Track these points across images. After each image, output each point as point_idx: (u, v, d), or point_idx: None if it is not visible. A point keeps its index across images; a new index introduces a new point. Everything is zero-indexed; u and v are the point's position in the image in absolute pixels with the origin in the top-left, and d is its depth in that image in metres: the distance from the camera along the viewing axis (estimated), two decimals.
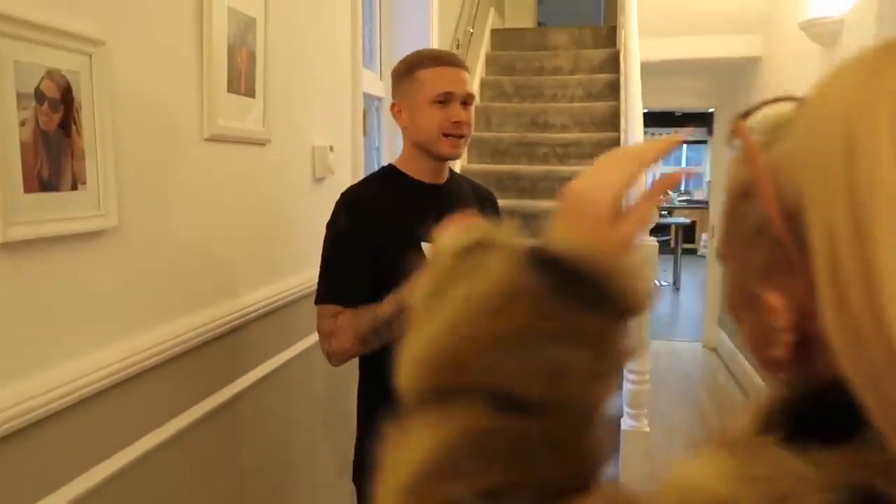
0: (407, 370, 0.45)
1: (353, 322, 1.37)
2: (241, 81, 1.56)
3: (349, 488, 1.58)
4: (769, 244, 0.43)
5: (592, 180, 0.48)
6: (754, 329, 0.46)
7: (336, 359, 1.43)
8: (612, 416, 2.80)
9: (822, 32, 3.05)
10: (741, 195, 0.46)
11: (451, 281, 0.45)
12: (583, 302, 0.41)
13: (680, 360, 5.14)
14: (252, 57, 1.60)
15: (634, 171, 0.47)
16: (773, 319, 0.42)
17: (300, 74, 1.92)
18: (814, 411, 0.41)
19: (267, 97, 1.67)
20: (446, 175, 1.53)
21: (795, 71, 3.59)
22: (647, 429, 2.63)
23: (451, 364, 0.42)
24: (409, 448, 0.42)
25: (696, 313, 6.32)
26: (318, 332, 1.44)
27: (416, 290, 0.47)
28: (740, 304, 0.48)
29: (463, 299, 0.43)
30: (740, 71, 4.76)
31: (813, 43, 3.17)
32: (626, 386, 2.65)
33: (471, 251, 0.46)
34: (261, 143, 1.69)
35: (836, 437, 0.37)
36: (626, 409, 2.66)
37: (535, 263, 0.43)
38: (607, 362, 0.42)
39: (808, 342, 0.41)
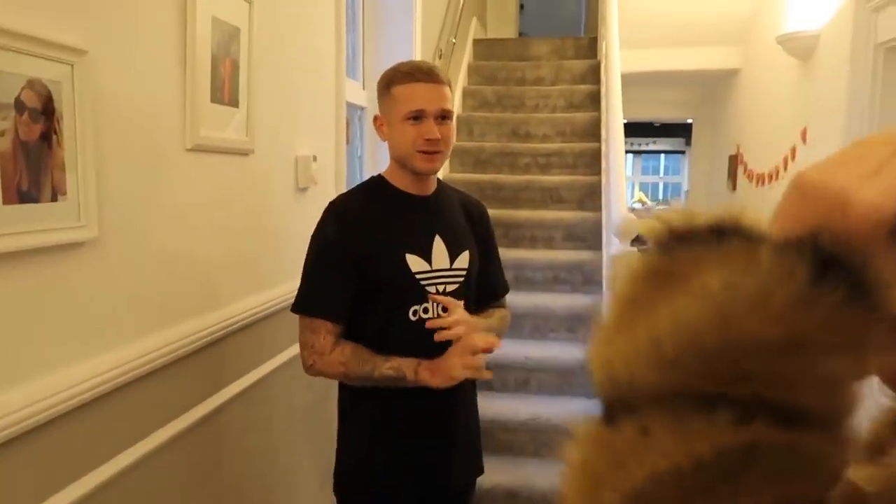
0: (646, 359, 0.38)
1: (349, 361, 1.39)
2: (225, 91, 1.55)
3: (330, 499, 1.57)
4: None
5: (862, 175, 0.38)
6: None
7: (314, 374, 1.46)
8: None
9: (799, 46, 3.11)
10: None
11: (698, 265, 0.39)
12: (867, 314, 0.37)
13: None
14: (236, 66, 1.59)
15: None
16: None
17: (284, 84, 1.91)
18: None
19: (250, 107, 1.66)
20: (433, 187, 1.53)
21: (772, 83, 3.65)
22: None
23: (722, 365, 0.36)
24: (647, 454, 0.37)
25: None
26: (301, 344, 1.44)
27: (629, 262, 0.41)
28: None
29: (730, 291, 0.37)
30: (718, 83, 4.83)
31: (790, 56, 3.23)
32: None
33: (719, 234, 0.39)
34: (244, 153, 1.67)
35: None
36: None
37: (821, 267, 0.37)
38: (868, 371, 0.39)
39: None
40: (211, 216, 1.53)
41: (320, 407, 2.16)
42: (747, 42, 4.21)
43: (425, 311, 1.44)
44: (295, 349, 1.89)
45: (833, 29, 2.84)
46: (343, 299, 1.42)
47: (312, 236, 1.46)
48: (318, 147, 2.16)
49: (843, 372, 0.37)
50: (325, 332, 1.41)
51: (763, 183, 3.75)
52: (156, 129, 1.32)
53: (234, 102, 1.59)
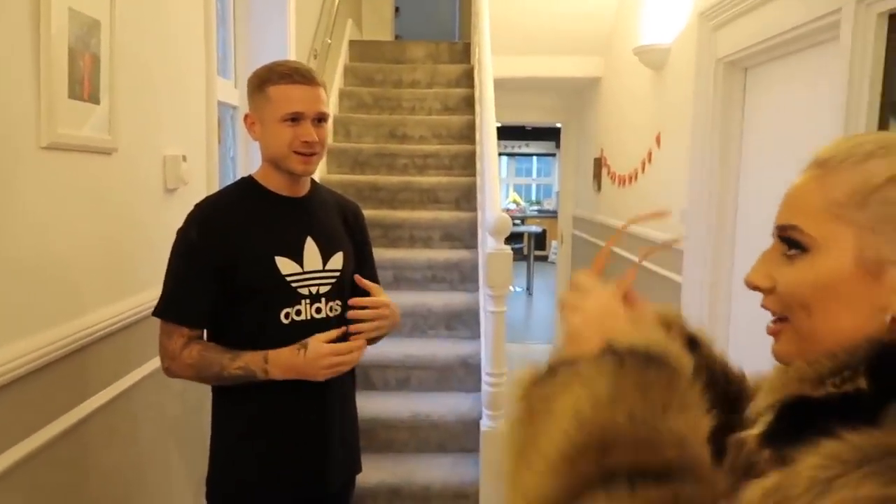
0: (541, 476, 0.51)
1: (197, 363, 1.38)
2: (84, 87, 1.47)
3: None
4: None
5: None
6: (869, 300, 0.55)
7: (172, 376, 1.44)
8: (470, 418, 2.90)
9: (652, 58, 3.37)
10: (889, 180, 0.55)
11: (550, 396, 0.55)
12: (662, 372, 0.53)
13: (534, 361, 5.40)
14: (96, 61, 1.52)
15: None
16: None
17: (149, 81, 1.83)
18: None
19: (113, 104, 1.59)
20: (307, 188, 1.52)
21: (630, 91, 3.93)
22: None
23: (599, 450, 0.50)
24: None
25: (548, 316, 6.67)
26: (160, 347, 1.42)
27: (507, 420, 0.58)
28: (854, 280, 0.56)
29: (578, 402, 0.52)
30: (583, 90, 5.12)
31: (645, 67, 3.49)
32: (484, 388, 2.75)
33: (551, 372, 0.58)
34: (106, 152, 1.60)
35: None
36: (484, 410, 2.77)
37: (618, 357, 0.54)
38: (705, 427, 0.53)
39: None
40: (71, 218, 1.45)
41: (195, 416, 2.09)
42: (608, 53, 4.49)
43: (298, 313, 1.44)
44: None
45: (681, 43, 3.11)
46: (201, 305, 1.40)
47: (175, 240, 1.42)
48: (188, 146, 2.09)
49: (684, 428, 0.51)
50: (178, 336, 1.39)
51: (624, 184, 4.02)
52: (6, 126, 1.24)
53: (94, 99, 1.52)
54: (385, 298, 1.50)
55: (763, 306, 0.62)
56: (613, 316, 0.63)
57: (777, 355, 0.61)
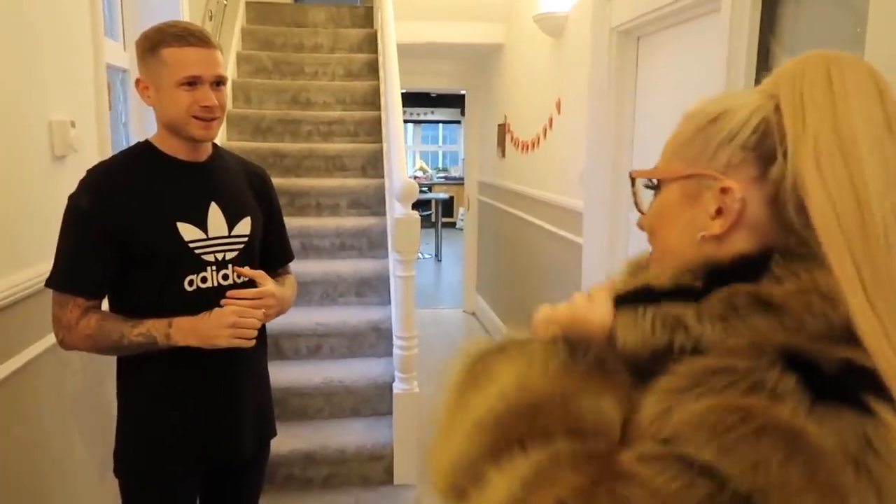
0: (478, 434, 0.56)
1: (95, 332, 1.34)
2: None
3: (113, 483, 1.50)
4: (735, 149, 0.60)
5: (587, 307, 0.66)
6: (688, 222, 0.63)
7: (67, 349, 1.40)
8: (383, 381, 2.94)
9: (551, 25, 3.45)
10: (712, 120, 0.62)
11: (490, 370, 0.60)
12: (608, 373, 0.59)
13: (444, 325, 5.51)
14: None
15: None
16: (728, 199, 0.60)
17: (28, 42, 1.72)
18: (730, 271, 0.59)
19: None
20: (208, 152, 1.49)
21: (531, 58, 4.01)
22: (417, 390, 2.81)
23: (529, 414, 0.56)
24: (508, 478, 0.53)
25: (457, 281, 6.78)
26: (52, 319, 1.37)
27: (451, 377, 0.61)
28: (678, 205, 0.64)
29: (520, 375, 0.58)
30: (487, 56, 5.17)
31: (545, 34, 3.57)
32: (396, 352, 2.80)
33: (500, 349, 0.63)
34: None
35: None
36: (396, 373, 2.82)
37: (572, 349, 0.60)
38: (623, 407, 0.59)
39: (737, 223, 0.60)
40: None
41: (96, 390, 2.03)
42: (510, 19, 4.55)
43: (203, 280, 1.42)
44: None
45: (578, 12, 3.19)
46: (95, 274, 1.36)
47: (66, 207, 1.36)
48: (77, 112, 1.98)
49: (605, 406, 0.58)
50: (72, 306, 1.35)
51: (527, 150, 4.12)
52: None
53: None
54: (268, 287, 1.45)
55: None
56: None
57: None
